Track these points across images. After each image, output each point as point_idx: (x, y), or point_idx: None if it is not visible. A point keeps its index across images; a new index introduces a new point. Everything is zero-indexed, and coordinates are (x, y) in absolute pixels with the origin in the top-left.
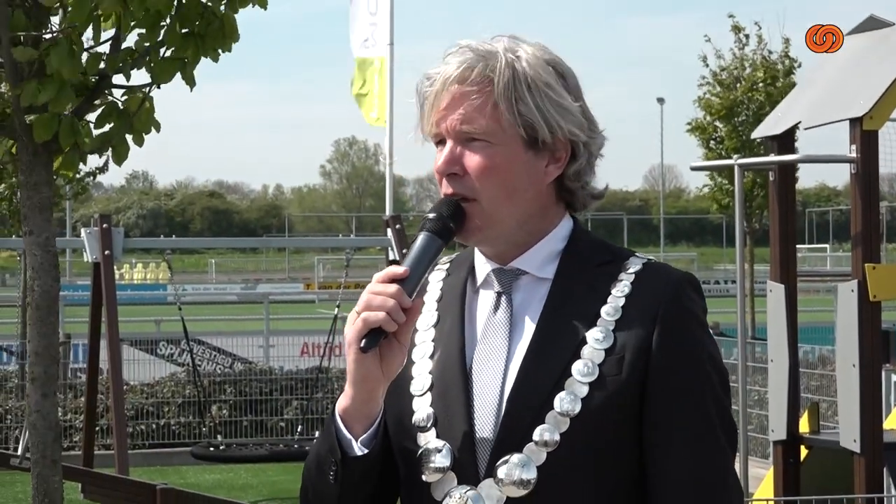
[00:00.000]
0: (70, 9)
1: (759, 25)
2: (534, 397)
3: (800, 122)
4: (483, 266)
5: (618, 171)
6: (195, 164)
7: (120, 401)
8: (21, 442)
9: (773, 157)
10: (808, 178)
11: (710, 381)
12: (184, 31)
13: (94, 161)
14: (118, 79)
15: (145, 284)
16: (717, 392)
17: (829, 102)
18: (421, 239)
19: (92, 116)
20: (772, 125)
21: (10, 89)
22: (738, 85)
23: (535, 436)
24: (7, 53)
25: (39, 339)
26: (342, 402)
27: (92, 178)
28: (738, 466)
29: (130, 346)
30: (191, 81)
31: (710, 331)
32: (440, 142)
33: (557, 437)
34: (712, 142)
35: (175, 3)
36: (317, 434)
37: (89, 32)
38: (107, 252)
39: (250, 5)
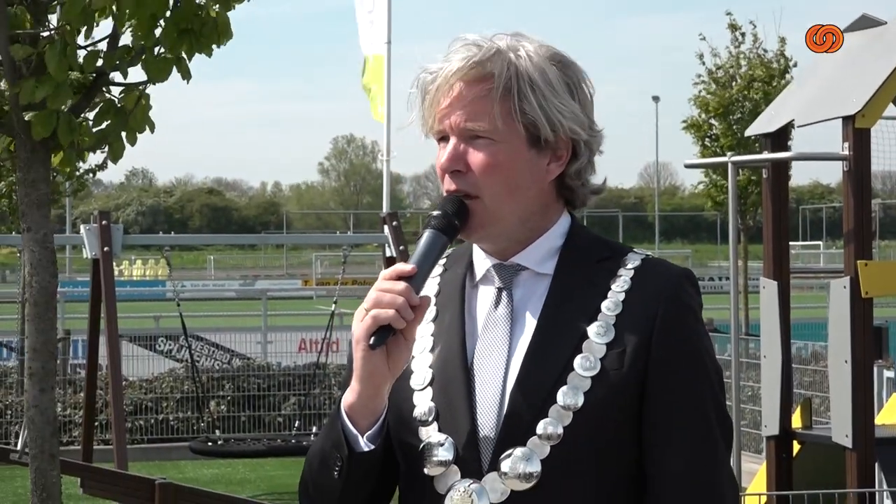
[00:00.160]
0: (65, 4)
1: (755, 24)
2: (537, 391)
3: (793, 120)
4: (482, 261)
5: (613, 169)
6: (194, 162)
7: (119, 396)
8: (20, 437)
9: (766, 155)
10: (801, 175)
11: (709, 380)
12: (179, 29)
13: (93, 158)
14: (116, 76)
15: (144, 281)
16: (714, 390)
17: (822, 100)
18: (426, 236)
19: (90, 114)
20: (765, 123)
21: (9, 87)
22: (734, 83)
23: (539, 429)
24: (5, 51)
25: (37, 334)
26: (348, 398)
27: (91, 175)
28: (731, 461)
29: (129, 342)
30: (186, 74)
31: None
32: (442, 138)
33: (560, 431)
34: (707, 139)
35: (170, 4)
36: (314, 429)
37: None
38: (106, 248)
39: (246, 1)
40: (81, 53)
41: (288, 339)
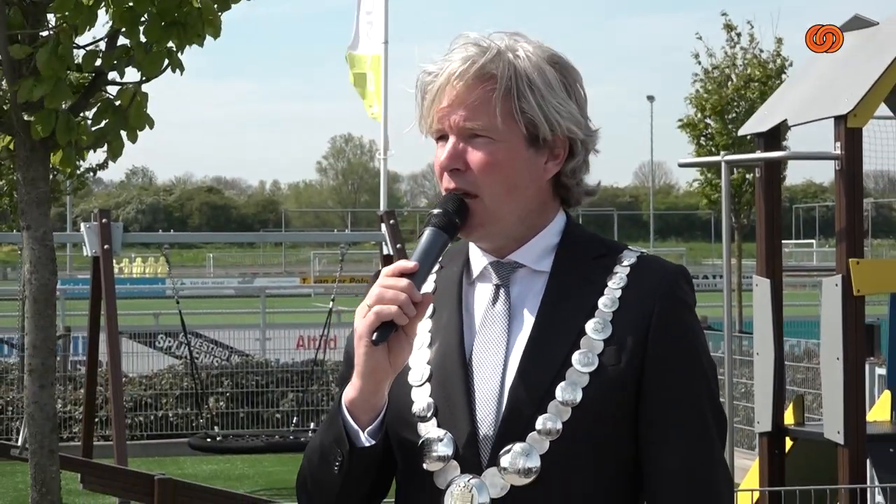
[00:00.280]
0: (55, 1)
1: (752, 24)
2: (536, 387)
3: (786, 120)
4: (479, 259)
5: (609, 168)
6: (194, 161)
7: (119, 392)
8: (21, 433)
9: (759, 154)
10: (795, 174)
11: (705, 377)
12: (163, 23)
13: (94, 157)
14: (114, 76)
15: (144, 278)
16: (710, 387)
17: (814, 100)
18: (427, 234)
19: (89, 113)
20: (758, 122)
21: (8, 86)
22: (730, 83)
23: (538, 425)
24: (4, 51)
25: (37, 331)
26: (349, 394)
27: (92, 173)
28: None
29: (129, 338)
30: (177, 66)
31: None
32: (441, 137)
33: (560, 426)
34: (703, 138)
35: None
36: (312, 426)
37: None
38: (106, 246)
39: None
40: (80, 53)
41: (286, 336)
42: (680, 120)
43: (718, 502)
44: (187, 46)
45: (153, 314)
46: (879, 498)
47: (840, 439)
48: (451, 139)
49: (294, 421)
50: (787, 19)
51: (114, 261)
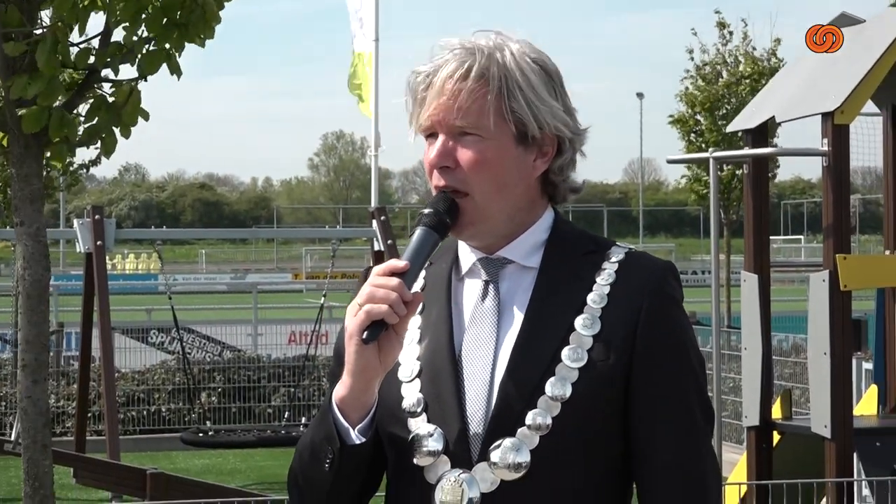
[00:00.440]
0: (55, 1)
1: (746, 22)
2: (526, 382)
3: (774, 116)
4: (468, 255)
5: (598, 165)
6: (186, 158)
7: (111, 388)
8: (14, 427)
9: (747, 151)
10: (783, 170)
11: (694, 373)
12: (165, 20)
13: (87, 154)
14: (108, 73)
15: (137, 274)
16: (699, 382)
17: (801, 97)
18: (418, 233)
19: (82, 109)
20: (747, 119)
21: (2, 83)
22: (720, 79)
23: (528, 420)
24: None
25: (30, 327)
26: (339, 392)
27: (85, 170)
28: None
29: (122, 334)
30: (176, 70)
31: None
32: (431, 135)
33: (549, 421)
34: (693, 135)
35: None
36: (303, 420)
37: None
38: (99, 242)
39: None
40: (74, 51)
41: (278, 332)
42: (670, 116)
43: (707, 495)
44: (186, 46)
45: (146, 310)
46: (866, 491)
47: (827, 433)
48: (441, 137)
49: (286, 416)
50: (784, 17)
51: (106, 257)
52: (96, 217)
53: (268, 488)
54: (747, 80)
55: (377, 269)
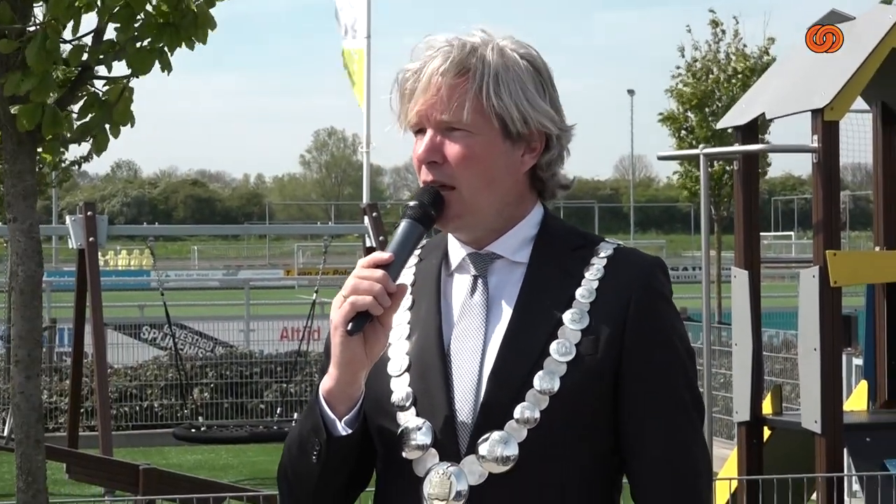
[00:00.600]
0: (50, 0)
1: (738, 20)
2: (514, 376)
3: (764, 113)
4: (457, 251)
5: (589, 161)
6: (178, 154)
7: (104, 383)
8: (7, 423)
9: (737, 147)
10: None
11: (683, 367)
12: (159, 21)
13: (79, 150)
14: (101, 70)
15: (129, 270)
16: (688, 376)
17: (791, 94)
18: (403, 226)
19: (74, 107)
20: (737, 115)
21: None
22: (710, 76)
23: (516, 413)
24: None
25: (23, 322)
26: (326, 384)
27: (77, 166)
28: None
29: (114, 330)
30: (167, 66)
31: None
32: (419, 131)
33: (538, 415)
34: (683, 131)
35: None
36: (295, 416)
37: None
38: (91, 239)
39: None
40: (67, 48)
41: (270, 328)
42: (660, 113)
43: (698, 489)
44: (178, 47)
45: (138, 306)
46: (856, 486)
47: (817, 429)
48: (429, 132)
49: (278, 411)
50: (777, 14)
51: (99, 253)
52: (89, 213)
53: (260, 483)
54: (738, 77)
55: (362, 261)
